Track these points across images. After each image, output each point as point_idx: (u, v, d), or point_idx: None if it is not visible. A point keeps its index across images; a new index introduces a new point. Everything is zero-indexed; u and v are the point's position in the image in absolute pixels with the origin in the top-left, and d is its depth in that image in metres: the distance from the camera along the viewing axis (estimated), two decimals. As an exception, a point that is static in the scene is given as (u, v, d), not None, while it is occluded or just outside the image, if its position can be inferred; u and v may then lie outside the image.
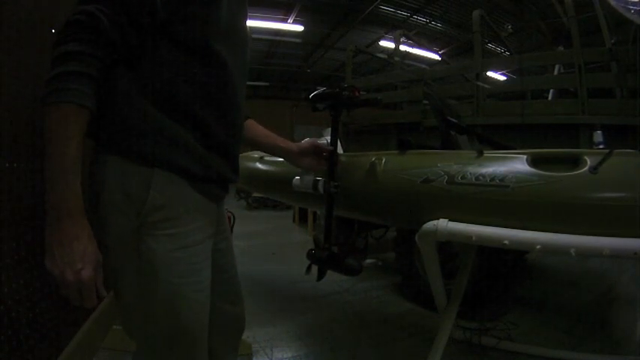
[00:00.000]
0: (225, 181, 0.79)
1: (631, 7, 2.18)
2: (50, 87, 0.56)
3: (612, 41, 2.65)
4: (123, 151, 0.65)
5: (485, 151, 1.11)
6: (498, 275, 2.09)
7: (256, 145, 1.10)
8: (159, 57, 0.66)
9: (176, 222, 0.68)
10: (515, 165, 1.01)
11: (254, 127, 1.05)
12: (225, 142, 0.75)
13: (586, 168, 0.93)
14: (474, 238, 0.99)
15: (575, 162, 0.96)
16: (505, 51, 6.82)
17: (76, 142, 0.57)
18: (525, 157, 1.02)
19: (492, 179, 1.00)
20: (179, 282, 0.68)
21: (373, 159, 1.28)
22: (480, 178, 1.02)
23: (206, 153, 0.71)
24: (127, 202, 0.64)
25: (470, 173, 1.04)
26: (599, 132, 1.99)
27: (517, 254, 2.51)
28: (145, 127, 0.65)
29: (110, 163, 0.65)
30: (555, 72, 3.40)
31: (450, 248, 2.06)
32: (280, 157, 1.19)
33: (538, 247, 0.90)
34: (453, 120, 1.63)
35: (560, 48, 4.13)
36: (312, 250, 1.29)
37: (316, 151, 1.17)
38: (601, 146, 1.94)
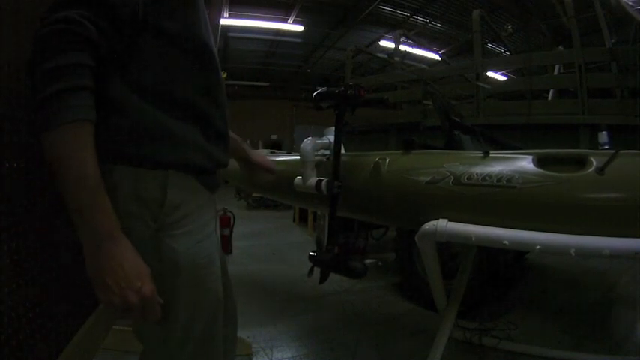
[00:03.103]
0: (219, 168, 0.79)
1: None
2: (49, 108, 0.51)
3: (612, 41, 2.65)
4: (132, 158, 0.62)
5: (490, 152, 1.10)
6: (498, 275, 2.09)
7: None
8: (149, 55, 0.64)
9: (191, 218, 0.69)
10: (522, 165, 1.00)
11: None
12: (221, 128, 0.75)
13: (592, 169, 0.92)
14: (473, 238, 0.98)
15: (581, 163, 0.96)
16: (505, 51, 6.82)
17: (92, 160, 0.53)
18: (531, 157, 1.01)
19: (499, 180, 0.99)
20: (202, 273, 0.70)
21: (377, 159, 1.26)
22: (487, 179, 1.01)
23: (207, 145, 0.71)
24: (142, 208, 0.63)
25: (476, 174, 1.03)
26: (604, 133, 1.97)
27: (517, 254, 2.52)
28: (151, 130, 0.63)
29: (117, 172, 0.62)
30: (555, 72, 3.40)
31: (450, 248, 2.06)
32: (237, 160, 1.07)
33: (538, 247, 0.90)
34: (458, 120, 1.62)
35: (560, 48, 4.13)
36: (313, 252, 1.26)
37: (264, 167, 1.09)
38: (606, 147, 1.93)
